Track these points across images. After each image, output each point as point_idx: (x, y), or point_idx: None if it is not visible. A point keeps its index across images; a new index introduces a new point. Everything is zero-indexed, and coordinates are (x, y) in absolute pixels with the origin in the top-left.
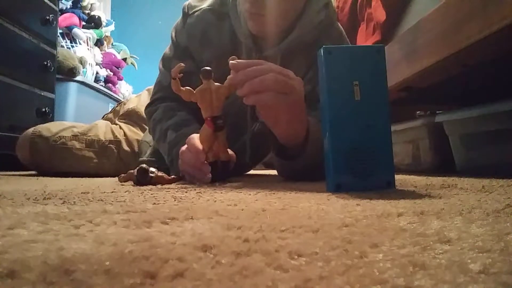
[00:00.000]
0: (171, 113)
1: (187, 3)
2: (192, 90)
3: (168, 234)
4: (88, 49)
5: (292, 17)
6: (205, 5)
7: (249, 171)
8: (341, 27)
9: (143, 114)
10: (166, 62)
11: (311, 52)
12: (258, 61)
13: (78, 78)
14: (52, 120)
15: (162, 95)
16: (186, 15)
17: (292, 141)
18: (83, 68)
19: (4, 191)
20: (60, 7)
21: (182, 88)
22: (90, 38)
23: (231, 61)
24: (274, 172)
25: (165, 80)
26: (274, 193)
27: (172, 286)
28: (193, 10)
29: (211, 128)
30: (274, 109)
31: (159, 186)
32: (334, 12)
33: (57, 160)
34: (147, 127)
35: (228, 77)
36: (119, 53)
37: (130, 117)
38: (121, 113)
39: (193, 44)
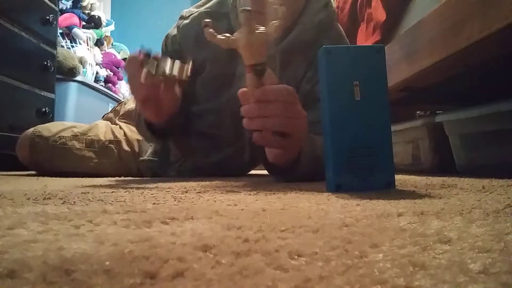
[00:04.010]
0: None
1: (187, 9)
2: (230, 35)
3: (168, 234)
4: (88, 49)
5: (292, 17)
6: (202, 8)
7: (249, 171)
8: (341, 28)
9: None
10: None
11: (310, 52)
12: (266, 91)
13: (78, 78)
14: (52, 120)
15: None
16: (182, 17)
17: (282, 164)
18: (83, 68)
19: (4, 191)
20: (60, 7)
21: (219, 36)
22: (90, 38)
23: (240, 91)
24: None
25: None
26: (274, 193)
27: (172, 286)
28: (191, 13)
29: (251, 73)
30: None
31: (159, 186)
32: (334, 12)
33: (57, 160)
34: None
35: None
36: (119, 53)
37: (131, 117)
38: (121, 113)
39: (187, 44)
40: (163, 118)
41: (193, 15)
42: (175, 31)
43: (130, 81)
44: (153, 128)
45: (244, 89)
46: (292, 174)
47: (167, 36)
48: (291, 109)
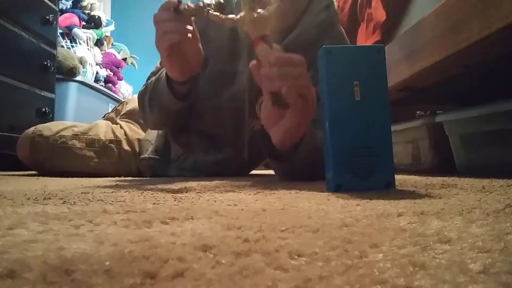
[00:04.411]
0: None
1: None
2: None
3: (168, 234)
4: (88, 49)
5: (293, 17)
6: None
7: (249, 171)
8: (342, 29)
9: None
10: None
11: (311, 52)
12: (280, 57)
13: (78, 78)
14: (52, 120)
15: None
16: None
17: (286, 146)
18: (83, 68)
19: (4, 191)
20: (60, 7)
21: (224, 16)
22: (90, 38)
23: (251, 64)
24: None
25: (155, 71)
26: (274, 193)
27: (172, 286)
28: None
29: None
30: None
31: (159, 186)
32: (335, 14)
33: (57, 160)
34: None
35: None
36: (119, 53)
37: (132, 116)
38: (123, 112)
39: None
40: (186, 75)
41: None
42: None
43: (158, 29)
44: (173, 91)
45: (254, 61)
46: (294, 160)
47: None
48: (305, 73)
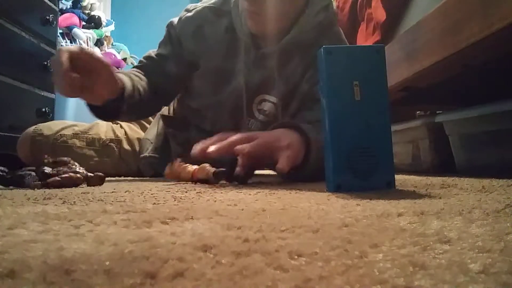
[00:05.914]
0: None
1: (194, 3)
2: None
3: (168, 234)
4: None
5: (291, 18)
6: (207, 3)
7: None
8: (340, 30)
9: None
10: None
11: (309, 53)
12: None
13: None
14: (52, 120)
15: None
16: (187, 10)
17: (293, 166)
18: None
19: (4, 191)
20: (60, 7)
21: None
22: (90, 38)
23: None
24: (274, 172)
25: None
26: (274, 193)
27: (172, 286)
28: (195, 7)
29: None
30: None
31: (159, 186)
32: (334, 15)
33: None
34: (148, 126)
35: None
36: (119, 53)
37: None
38: None
39: (186, 35)
40: (99, 102)
41: (197, 9)
42: (176, 21)
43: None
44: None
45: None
46: (305, 167)
47: (171, 23)
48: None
